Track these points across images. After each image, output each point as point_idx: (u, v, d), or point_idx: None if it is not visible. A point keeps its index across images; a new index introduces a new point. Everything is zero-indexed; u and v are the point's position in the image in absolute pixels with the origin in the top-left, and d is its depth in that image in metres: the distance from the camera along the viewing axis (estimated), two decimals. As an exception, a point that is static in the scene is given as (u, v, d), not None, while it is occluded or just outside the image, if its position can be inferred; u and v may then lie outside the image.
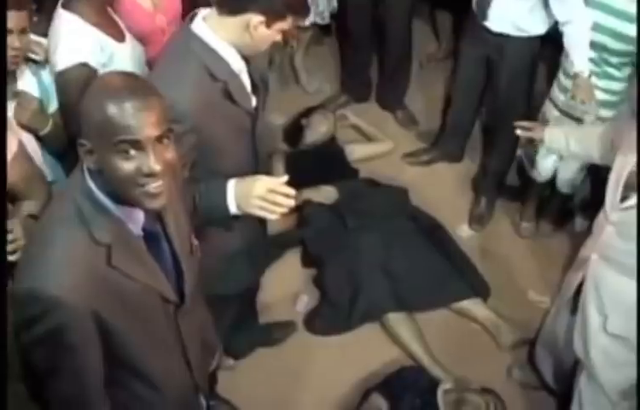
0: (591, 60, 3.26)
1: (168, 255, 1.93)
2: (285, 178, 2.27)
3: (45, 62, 2.68)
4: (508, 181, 4.24)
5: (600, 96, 3.34)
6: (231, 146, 2.37)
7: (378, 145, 4.42)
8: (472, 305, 3.65)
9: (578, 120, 3.43)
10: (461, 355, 3.49)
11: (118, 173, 1.66)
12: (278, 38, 2.31)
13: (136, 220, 1.79)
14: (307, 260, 3.87)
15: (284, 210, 2.26)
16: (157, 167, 1.67)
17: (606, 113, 3.40)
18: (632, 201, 2.41)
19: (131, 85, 1.69)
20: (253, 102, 2.43)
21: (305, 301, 3.73)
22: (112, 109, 1.62)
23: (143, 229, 1.82)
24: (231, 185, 2.28)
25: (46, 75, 2.70)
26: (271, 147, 4.14)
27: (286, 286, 3.75)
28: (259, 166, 2.51)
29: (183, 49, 2.26)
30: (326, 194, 3.95)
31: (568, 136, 2.95)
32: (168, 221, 1.91)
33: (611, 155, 2.62)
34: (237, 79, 2.33)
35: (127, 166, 1.65)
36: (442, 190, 4.25)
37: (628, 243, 2.45)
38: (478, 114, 4.23)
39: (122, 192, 1.70)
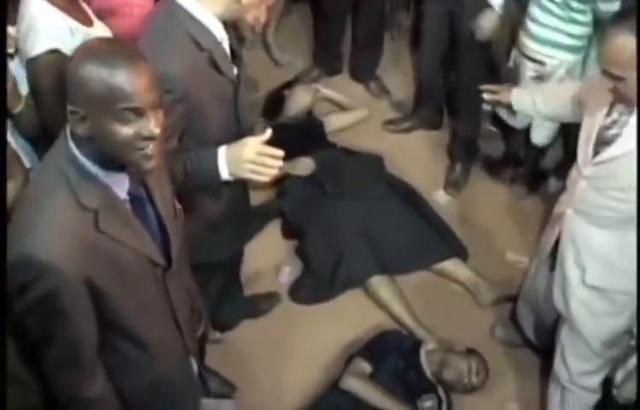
0: (556, 4, 3.36)
1: (153, 219, 1.95)
2: (269, 132, 2.31)
3: (14, 53, 2.65)
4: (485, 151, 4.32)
5: (565, 41, 3.44)
6: (216, 114, 2.39)
7: (353, 113, 4.46)
8: (452, 266, 3.72)
9: (539, 63, 3.54)
10: (443, 315, 3.57)
11: (115, 138, 1.69)
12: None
13: (122, 185, 1.81)
14: (288, 232, 3.90)
15: (274, 172, 2.30)
16: (157, 131, 1.71)
17: (571, 57, 3.49)
18: (604, 155, 2.46)
19: (124, 52, 1.71)
20: (234, 71, 2.46)
21: (288, 271, 3.76)
22: (110, 78, 1.64)
23: (128, 193, 1.84)
24: (222, 151, 2.30)
25: (14, 65, 2.66)
26: (251, 120, 4.15)
27: (268, 258, 3.78)
28: (242, 135, 2.53)
29: (168, 21, 2.28)
30: (304, 166, 3.97)
31: (535, 97, 3.00)
32: (152, 185, 1.94)
33: (578, 113, 2.68)
34: (221, 48, 2.36)
35: (126, 130, 1.69)
36: (418, 158, 4.29)
37: (602, 196, 2.52)
38: (446, 76, 4.26)
39: (118, 156, 1.73)
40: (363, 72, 4.69)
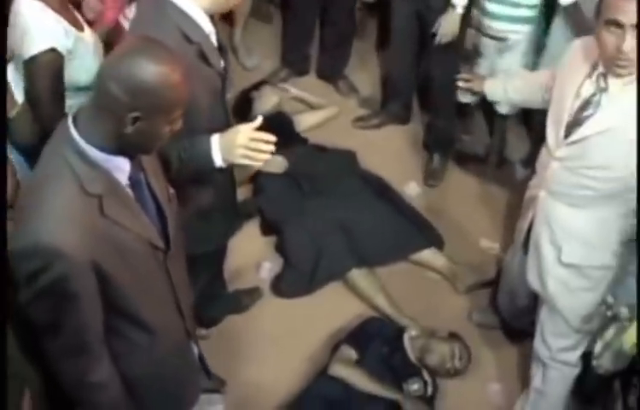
0: None
1: (151, 204, 2.01)
2: (260, 119, 2.38)
3: (9, 59, 2.67)
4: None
5: (525, 13, 3.63)
6: (206, 105, 2.43)
7: (323, 112, 4.52)
8: (429, 255, 3.82)
9: (502, 40, 3.71)
10: (422, 303, 3.67)
11: (160, 138, 1.86)
12: None
13: (123, 170, 1.86)
14: (266, 228, 3.94)
15: (267, 156, 2.36)
16: None
17: (527, 28, 3.68)
18: (577, 135, 2.52)
19: (178, 60, 1.84)
20: (222, 63, 2.52)
21: (268, 267, 3.81)
22: (175, 88, 1.79)
23: (129, 178, 1.89)
24: (215, 138, 2.35)
25: (9, 71, 2.68)
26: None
27: (248, 256, 3.81)
28: (230, 125, 2.59)
29: (158, 15, 2.31)
30: (276, 164, 4.00)
31: (507, 86, 3.10)
32: (148, 170, 1.99)
33: (548, 100, 2.74)
34: (209, 41, 2.42)
35: (169, 130, 1.85)
36: (388, 153, 4.37)
37: (575, 175, 2.58)
38: (416, 72, 4.35)
39: (147, 150, 1.90)
40: (332, 71, 4.76)
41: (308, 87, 4.73)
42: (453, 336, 3.42)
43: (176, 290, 2.10)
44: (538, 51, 3.82)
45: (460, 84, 3.22)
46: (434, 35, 3.80)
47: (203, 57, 2.37)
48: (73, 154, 1.77)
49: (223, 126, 2.48)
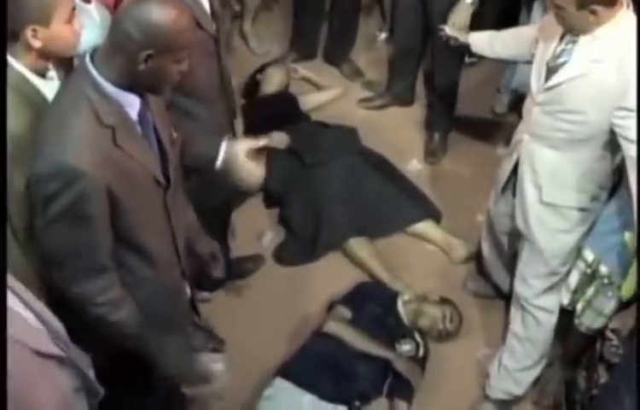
0: None
1: (154, 142, 2.17)
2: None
3: None
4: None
5: None
6: (201, 69, 2.58)
7: (329, 92, 4.67)
8: (426, 227, 3.95)
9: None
10: (418, 272, 3.80)
11: (169, 76, 2.03)
12: None
13: (134, 106, 2.04)
14: (269, 201, 4.10)
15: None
16: None
17: None
18: (553, 81, 2.70)
19: (184, 6, 2.01)
20: (213, 26, 2.68)
21: (270, 237, 3.96)
22: (186, 31, 1.97)
23: (138, 115, 2.06)
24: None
25: None
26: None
27: (251, 226, 3.97)
28: (227, 88, 2.75)
29: None
30: (278, 139, 4.12)
31: (493, 40, 3.24)
32: (155, 113, 2.16)
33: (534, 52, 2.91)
34: (200, 5, 2.59)
35: (176, 70, 2.02)
36: (390, 132, 4.50)
37: (552, 119, 2.75)
38: (422, 54, 4.48)
39: (157, 89, 2.08)
40: (338, 55, 4.91)
41: (315, 71, 4.87)
42: (445, 301, 3.54)
43: (173, 228, 2.25)
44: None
45: (447, 29, 3.39)
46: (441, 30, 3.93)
47: (196, 21, 2.51)
48: (90, 87, 1.95)
49: (217, 92, 2.66)
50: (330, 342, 3.24)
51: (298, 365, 3.21)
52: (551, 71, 2.72)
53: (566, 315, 3.06)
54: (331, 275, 3.78)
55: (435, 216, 4.02)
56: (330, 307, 3.49)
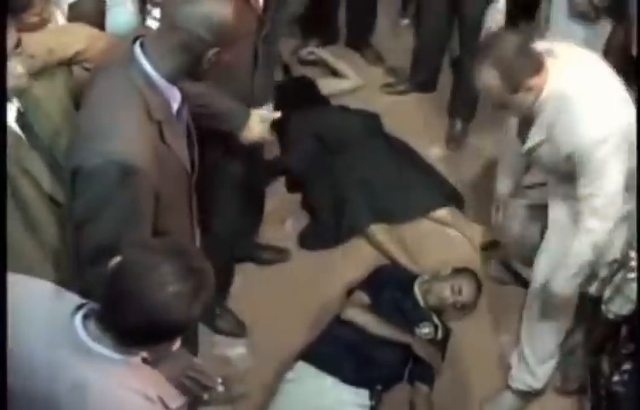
0: None
1: (184, 131, 2.18)
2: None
3: None
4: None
5: None
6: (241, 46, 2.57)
7: (348, 82, 4.59)
8: (448, 213, 3.93)
9: None
10: (439, 258, 3.77)
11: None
12: None
13: (176, 99, 2.04)
14: (292, 185, 4.09)
15: None
16: None
17: None
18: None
19: None
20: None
21: (292, 222, 3.96)
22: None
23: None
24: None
25: None
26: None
27: (275, 211, 3.94)
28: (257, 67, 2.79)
29: None
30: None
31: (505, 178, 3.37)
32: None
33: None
34: None
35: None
36: (413, 119, 4.47)
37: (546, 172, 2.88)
38: (447, 44, 4.47)
39: (208, 76, 2.04)
40: (359, 40, 4.87)
41: (338, 56, 4.78)
42: (458, 271, 3.54)
43: (193, 213, 2.28)
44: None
45: None
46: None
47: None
48: (142, 80, 1.93)
49: (249, 67, 2.71)
50: (349, 330, 3.24)
51: (320, 349, 3.21)
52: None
53: (590, 303, 3.04)
54: (354, 260, 3.78)
55: (458, 202, 4.00)
56: (349, 292, 3.49)
